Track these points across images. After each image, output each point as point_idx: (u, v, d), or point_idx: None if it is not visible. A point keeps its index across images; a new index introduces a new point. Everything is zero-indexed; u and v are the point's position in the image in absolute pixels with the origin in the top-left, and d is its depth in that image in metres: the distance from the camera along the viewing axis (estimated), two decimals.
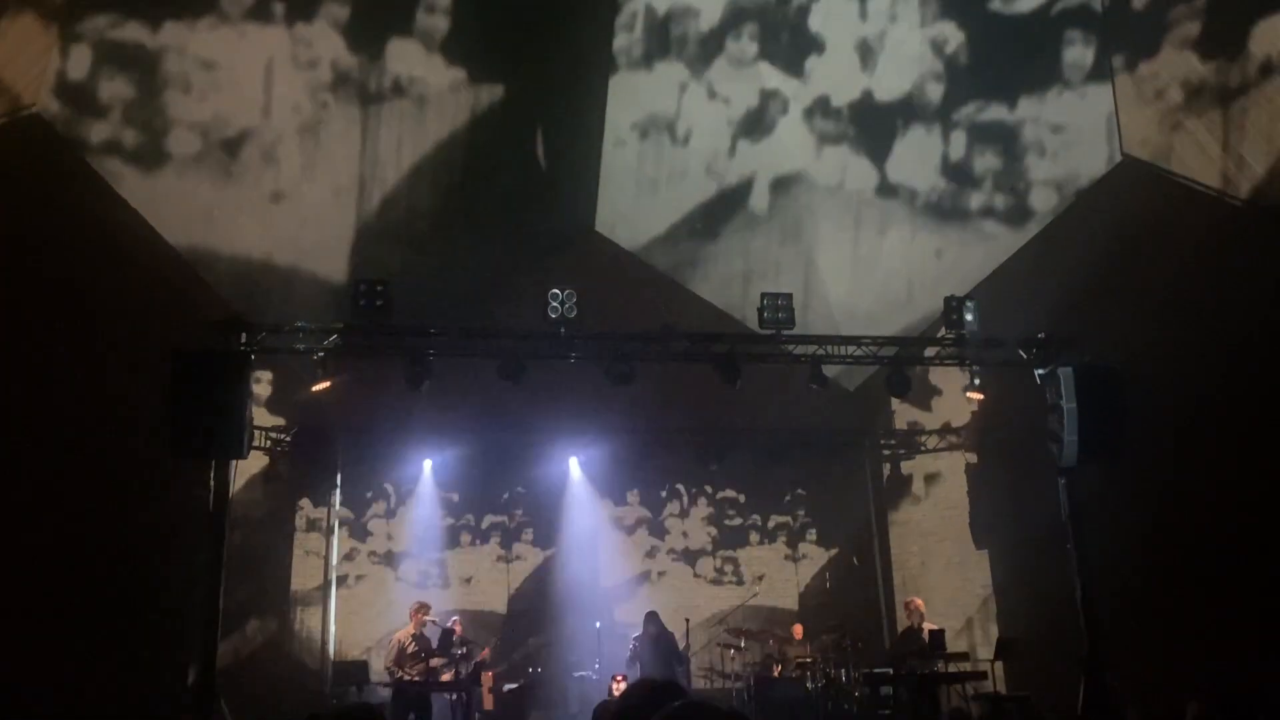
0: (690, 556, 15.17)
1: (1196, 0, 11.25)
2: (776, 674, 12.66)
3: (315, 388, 10.92)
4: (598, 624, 13.70)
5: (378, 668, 12.35)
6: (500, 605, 14.55)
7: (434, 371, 10.78)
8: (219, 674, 9.55)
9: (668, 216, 14.54)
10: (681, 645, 12.17)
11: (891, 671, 11.87)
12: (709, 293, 14.77)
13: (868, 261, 14.30)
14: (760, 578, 14.83)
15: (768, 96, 13.51)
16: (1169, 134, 12.17)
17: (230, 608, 10.08)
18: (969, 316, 11.13)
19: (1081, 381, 10.82)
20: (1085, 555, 10.75)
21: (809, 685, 12.19)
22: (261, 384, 13.30)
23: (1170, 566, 11.34)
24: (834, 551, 15.35)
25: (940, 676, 11.66)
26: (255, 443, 12.12)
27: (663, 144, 13.91)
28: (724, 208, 14.35)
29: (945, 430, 14.98)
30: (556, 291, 10.64)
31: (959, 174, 13.68)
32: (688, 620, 12.74)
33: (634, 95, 13.56)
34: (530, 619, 14.44)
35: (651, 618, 12.39)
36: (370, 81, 12.62)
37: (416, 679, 11.60)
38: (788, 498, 15.50)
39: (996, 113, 13.18)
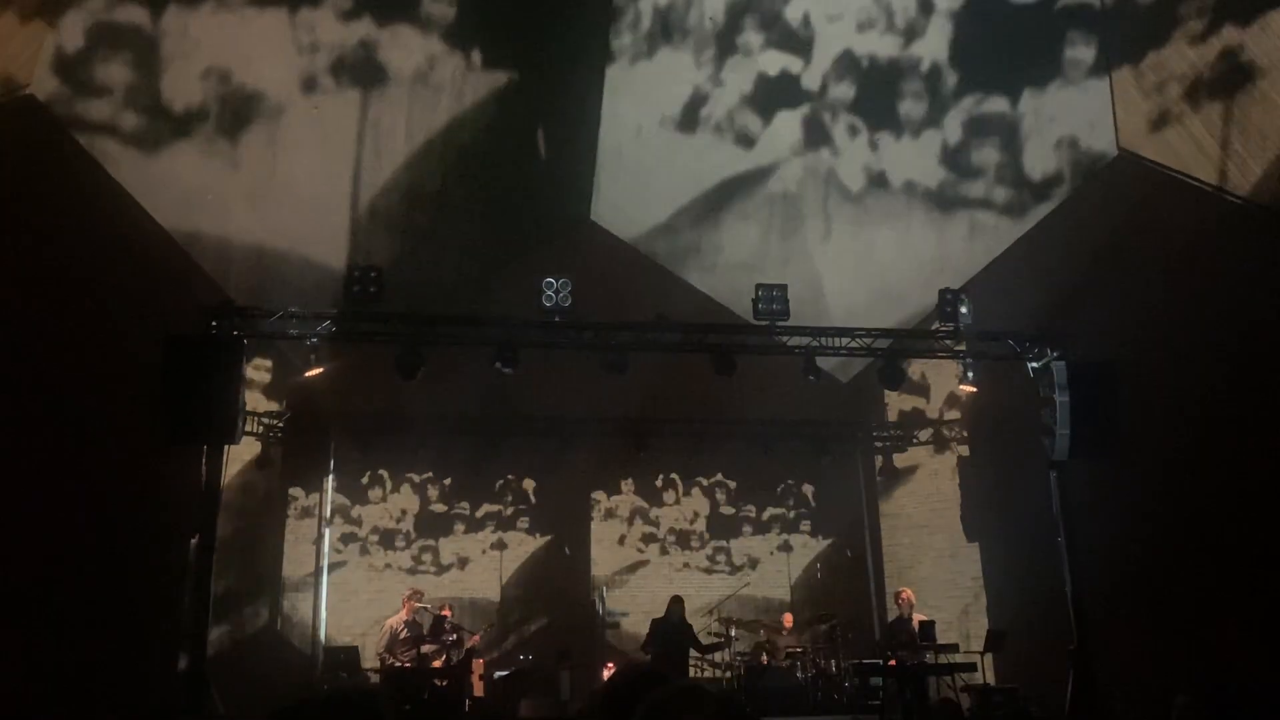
0: (682, 545, 15.21)
1: None
2: (766, 664, 12.70)
3: (308, 374, 10.91)
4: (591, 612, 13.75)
5: (369, 654, 12.38)
6: (493, 592, 14.58)
7: (428, 359, 10.77)
8: (210, 660, 9.56)
9: (664, 207, 14.51)
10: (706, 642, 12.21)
11: (881, 662, 11.92)
12: (704, 283, 14.77)
13: (863, 253, 14.29)
14: (754, 565, 14.91)
15: (766, 85, 13.47)
16: (1166, 130, 12.17)
17: (222, 594, 10.11)
18: (963, 309, 11.16)
19: (1074, 376, 10.86)
20: (1075, 549, 10.80)
21: (799, 675, 12.23)
22: (255, 370, 13.28)
23: (1159, 560, 11.39)
24: (826, 542, 15.40)
25: (929, 667, 11.71)
26: (248, 428, 12.13)
27: (660, 133, 13.86)
28: (720, 198, 14.31)
29: (938, 423, 15.01)
30: (551, 280, 10.63)
31: (956, 167, 13.67)
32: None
33: (632, 84, 13.51)
34: (523, 606, 14.48)
35: (677, 602, 12.41)
36: (370, 66, 12.56)
37: (408, 665, 11.63)
38: (780, 488, 15.55)
39: (995, 105, 13.16)
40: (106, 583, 11.13)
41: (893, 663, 11.71)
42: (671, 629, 12.06)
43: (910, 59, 13.18)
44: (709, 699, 2.33)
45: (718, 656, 12.98)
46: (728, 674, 12.70)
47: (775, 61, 13.36)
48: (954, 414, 14.84)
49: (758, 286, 11.15)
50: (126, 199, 11.99)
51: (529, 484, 14.98)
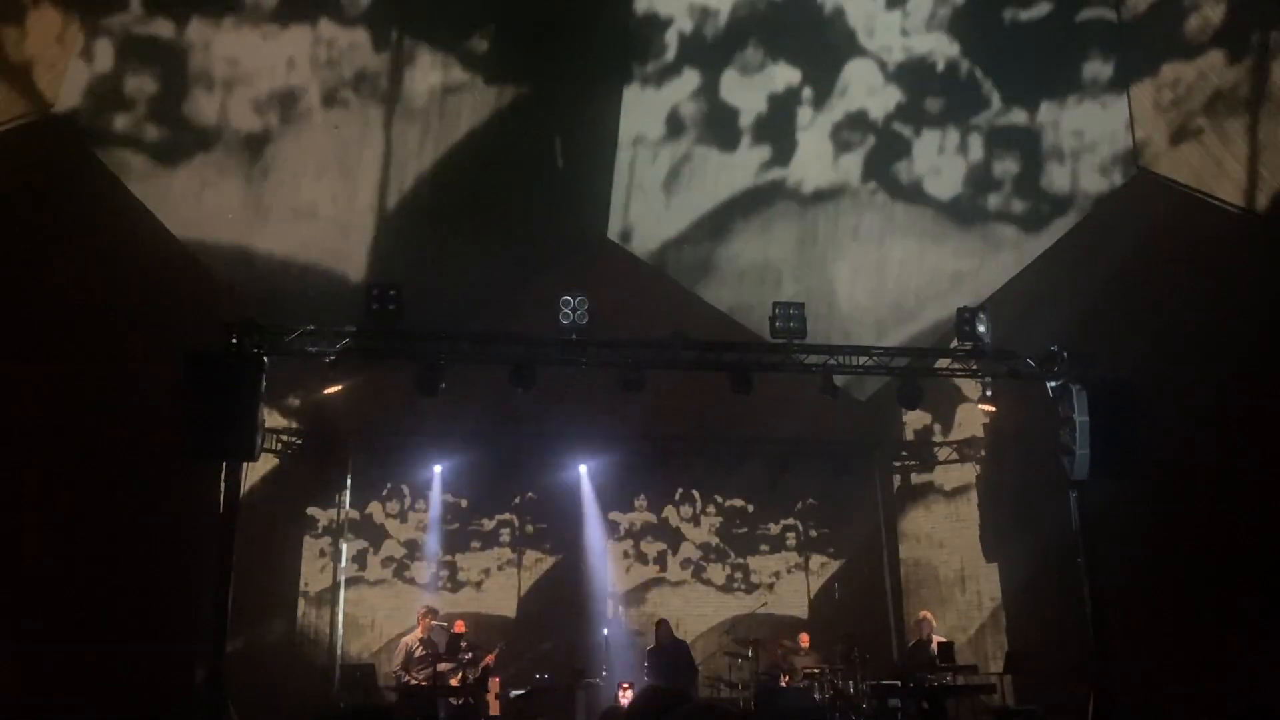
0: (700, 563, 15.16)
1: (1213, 13, 11.22)
2: (784, 684, 12.61)
3: (327, 391, 10.95)
4: (605, 631, 13.70)
5: (385, 671, 12.36)
6: (509, 609, 14.56)
7: (445, 376, 10.79)
8: (227, 675, 9.56)
9: (680, 224, 14.56)
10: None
11: (900, 683, 11.82)
12: (721, 301, 14.77)
13: (880, 270, 14.28)
14: (771, 584, 14.85)
15: (781, 101, 13.51)
16: (1185, 147, 12.14)
17: (239, 609, 10.10)
18: (981, 328, 11.10)
19: (1094, 395, 10.77)
20: (1095, 569, 10.70)
21: (816, 696, 12.15)
22: (273, 386, 13.31)
23: (1181, 582, 11.28)
24: (843, 561, 15.31)
25: (948, 689, 11.61)
26: (266, 445, 12.17)
27: (676, 151, 13.92)
28: (737, 215, 14.34)
29: (956, 442, 14.94)
30: (568, 298, 10.63)
31: (974, 185, 13.66)
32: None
33: (648, 101, 13.57)
34: (539, 624, 14.44)
35: (662, 626, 12.35)
36: (391, 83, 12.64)
37: (424, 683, 11.60)
38: (798, 506, 15.49)
39: (1015, 120, 13.16)
40: (126, 597, 11.18)
41: (911, 684, 11.62)
42: (667, 654, 12.03)
43: (928, 72, 13.17)
44: (729, 718, 2.34)
45: (734, 676, 12.93)
46: (745, 694, 12.63)
47: (789, 76, 13.38)
48: (972, 433, 14.76)
49: (774, 305, 11.12)
50: (148, 216, 12.11)
51: (545, 501, 14.97)
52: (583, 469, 14.80)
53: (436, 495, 14.71)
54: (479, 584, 14.62)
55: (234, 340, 10.03)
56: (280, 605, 13.77)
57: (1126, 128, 12.64)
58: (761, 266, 14.48)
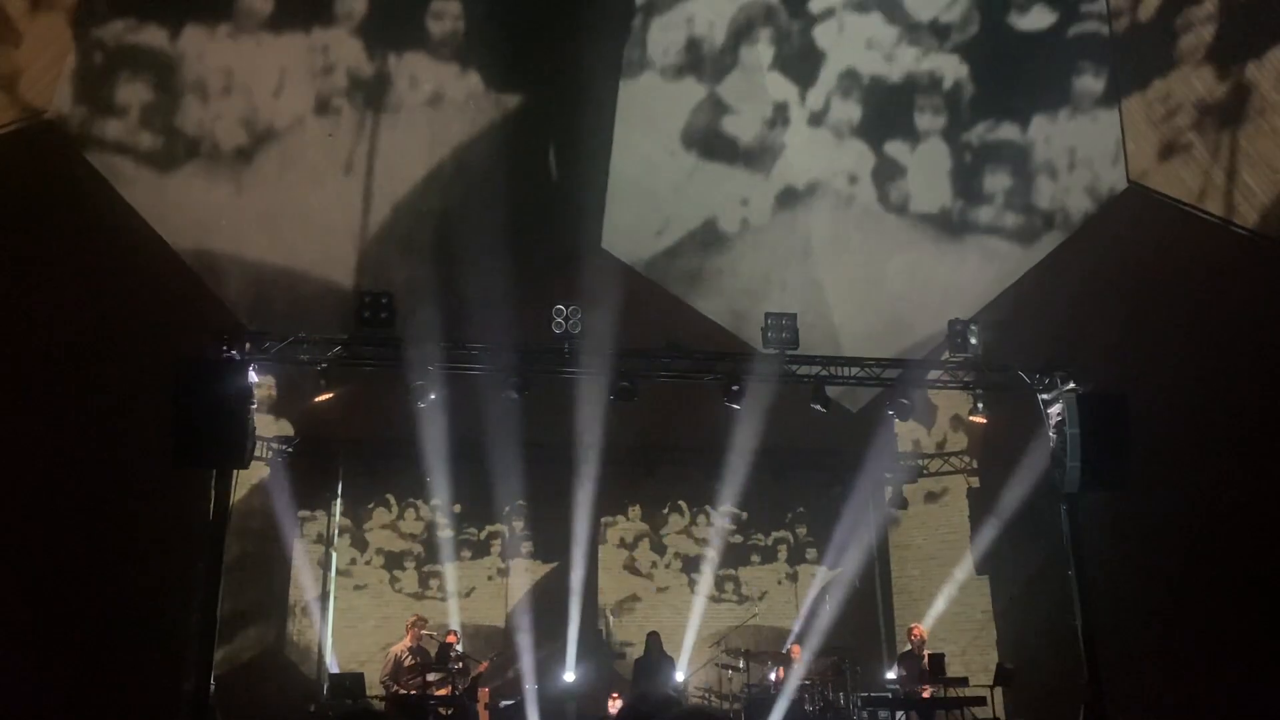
0: (690, 573, 15.13)
1: (1204, 29, 11.30)
2: (776, 688, 12.59)
3: (317, 399, 10.93)
4: (595, 641, 13.67)
5: (374, 680, 12.30)
6: (499, 619, 14.51)
7: (437, 385, 10.79)
8: (214, 684, 9.52)
9: (674, 234, 14.56)
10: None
11: (890, 696, 11.80)
12: (713, 311, 14.78)
13: (873, 281, 14.30)
14: (762, 595, 14.83)
15: (777, 112, 13.55)
16: (1175, 161, 12.20)
17: (227, 617, 10.07)
18: (973, 340, 11.13)
19: (1085, 408, 10.81)
20: (1086, 582, 10.71)
21: (807, 708, 12.12)
22: (264, 394, 13.30)
23: (1173, 594, 11.30)
24: (834, 573, 15.29)
25: (939, 702, 11.60)
26: (257, 452, 12.13)
27: (671, 160, 13.94)
28: (730, 225, 14.37)
29: (948, 453, 14.95)
30: (561, 307, 10.66)
31: (966, 197, 13.70)
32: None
33: (644, 111, 13.60)
34: (529, 633, 14.38)
35: (653, 637, 12.31)
36: (383, 90, 12.64)
37: (413, 693, 11.54)
38: (789, 516, 15.47)
39: (1007, 133, 13.22)
40: (113, 604, 11.12)
41: (901, 696, 11.60)
42: (653, 665, 12.01)
43: (921, 84, 13.21)
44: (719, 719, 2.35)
45: (725, 687, 12.91)
46: (735, 705, 12.60)
47: (784, 85, 13.41)
48: (964, 445, 14.78)
49: (767, 315, 11.14)
50: (140, 223, 12.09)
51: (536, 510, 14.92)
52: (573, 476, 14.74)
53: (427, 503, 14.67)
54: (469, 592, 14.56)
55: (225, 348, 10.02)
56: (269, 613, 13.71)
57: (1118, 142, 12.70)
58: (754, 277, 14.49)
